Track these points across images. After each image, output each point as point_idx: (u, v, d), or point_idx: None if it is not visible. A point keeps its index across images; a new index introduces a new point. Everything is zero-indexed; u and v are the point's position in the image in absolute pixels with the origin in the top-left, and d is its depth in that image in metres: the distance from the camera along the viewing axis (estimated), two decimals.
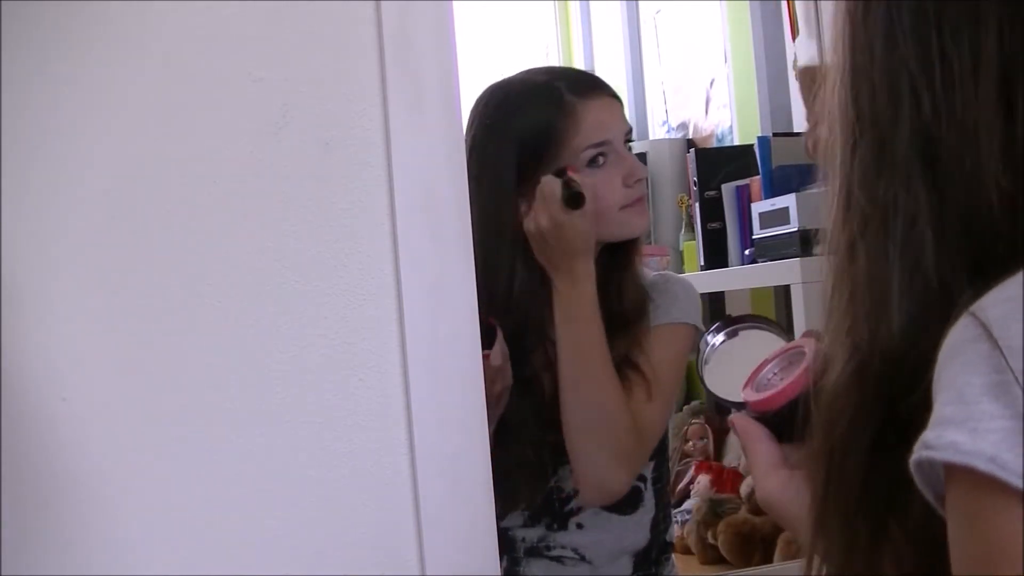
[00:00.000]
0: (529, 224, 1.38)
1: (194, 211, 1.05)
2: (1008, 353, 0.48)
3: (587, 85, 1.45)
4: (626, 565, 1.45)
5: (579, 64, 3.76)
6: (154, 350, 1.04)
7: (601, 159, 1.41)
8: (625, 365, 1.40)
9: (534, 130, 1.41)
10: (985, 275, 0.54)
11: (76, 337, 1.02)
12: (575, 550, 1.43)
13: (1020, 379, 0.47)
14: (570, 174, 1.38)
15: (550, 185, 1.38)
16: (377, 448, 1.09)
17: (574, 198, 1.36)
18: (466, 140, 1.44)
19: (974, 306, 0.51)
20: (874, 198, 0.59)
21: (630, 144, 1.46)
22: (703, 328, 1.47)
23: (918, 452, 0.50)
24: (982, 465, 0.47)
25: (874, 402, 0.58)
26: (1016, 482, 0.46)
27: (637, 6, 3.51)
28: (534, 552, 1.44)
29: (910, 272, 0.57)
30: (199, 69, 1.06)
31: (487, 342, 1.32)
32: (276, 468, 1.06)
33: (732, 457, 2.79)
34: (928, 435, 0.50)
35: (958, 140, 0.57)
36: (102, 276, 1.03)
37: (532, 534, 1.44)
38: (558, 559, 1.44)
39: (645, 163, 2.92)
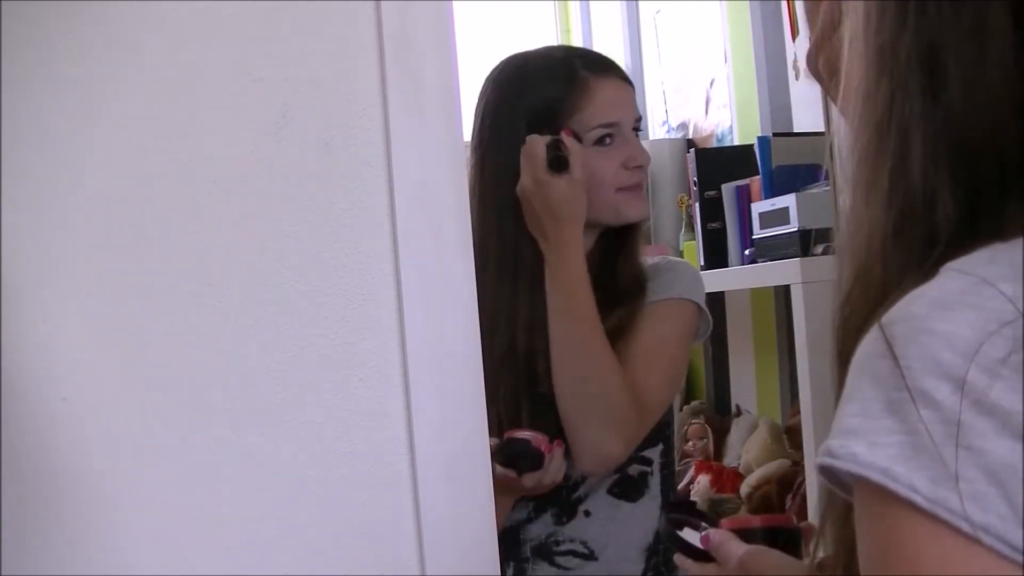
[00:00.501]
0: (517, 188, 1.39)
1: (194, 211, 1.06)
2: (906, 373, 0.51)
3: (603, 65, 1.46)
4: (637, 561, 1.44)
5: None
6: (154, 350, 1.04)
7: (608, 140, 1.41)
8: (622, 336, 1.39)
9: (546, 102, 1.42)
10: (974, 196, 0.56)
11: (76, 337, 1.02)
12: (584, 543, 1.43)
13: (914, 398, 0.51)
14: (563, 136, 1.38)
15: (533, 145, 1.38)
16: (377, 448, 1.09)
17: (557, 161, 1.36)
18: (477, 109, 1.45)
19: (885, 317, 0.54)
20: (872, 102, 0.59)
21: (639, 132, 1.46)
22: (706, 309, 1.47)
23: (822, 458, 0.54)
24: (876, 476, 0.51)
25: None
26: (905, 493, 0.50)
27: (637, 6, 3.51)
28: (541, 551, 1.44)
29: (899, 180, 0.58)
30: (199, 69, 1.06)
31: (535, 464, 1.32)
32: (276, 468, 1.06)
33: (732, 457, 2.79)
34: (832, 444, 0.53)
35: (963, 47, 0.57)
36: (102, 276, 1.03)
37: (539, 531, 1.43)
38: (566, 555, 1.43)
39: None
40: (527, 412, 1.41)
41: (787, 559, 0.88)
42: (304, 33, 1.08)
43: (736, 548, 0.95)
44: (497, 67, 1.47)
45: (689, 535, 1.16)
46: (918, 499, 0.50)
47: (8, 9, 1.00)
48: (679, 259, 1.57)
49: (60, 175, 1.03)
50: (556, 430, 1.38)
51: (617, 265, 1.44)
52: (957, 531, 0.49)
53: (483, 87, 1.47)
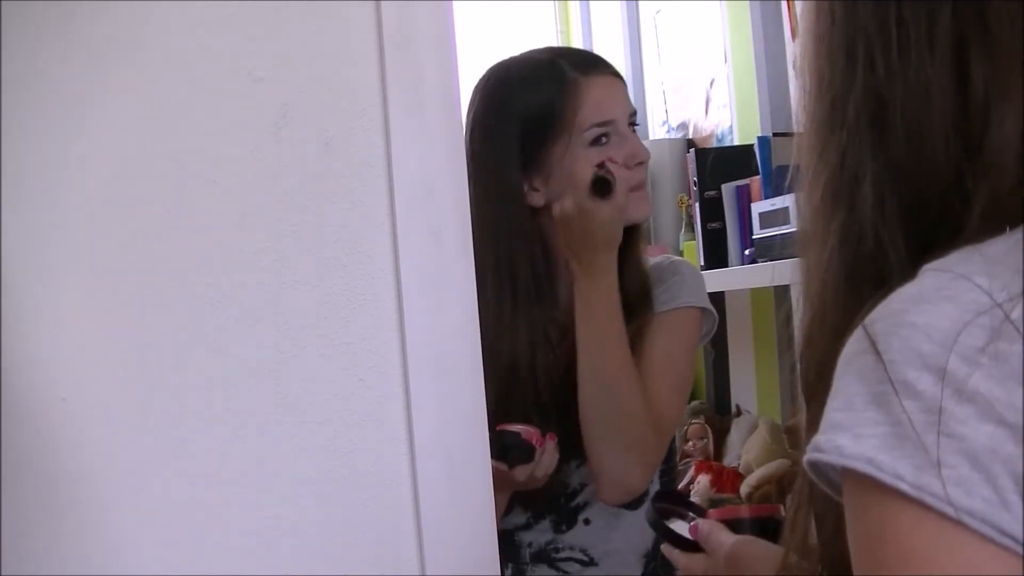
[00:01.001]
0: (556, 209, 1.37)
1: (194, 211, 1.05)
2: (889, 366, 0.53)
3: (590, 63, 1.43)
4: (636, 566, 1.44)
5: None
6: (154, 350, 1.04)
7: (604, 139, 1.39)
8: (633, 351, 1.37)
9: (537, 107, 1.39)
10: (925, 242, 0.58)
11: (76, 337, 1.02)
12: (584, 551, 1.42)
13: (897, 390, 0.52)
14: (607, 163, 1.36)
15: (578, 169, 1.37)
16: (377, 448, 1.09)
17: (601, 184, 1.34)
18: (467, 119, 1.42)
19: (867, 318, 0.56)
20: (825, 157, 0.63)
21: (635, 126, 1.45)
22: (710, 308, 1.46)
23: (810, 454, 0.56)
24: (861, 466, 0.53)
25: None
26: (890, 481, 0.52)
27: (637, 6, 3.51)
28: (540, 556, 1.43)
29: (850, 231, 0.61)
30: (199, 69, 1.06)
31: (526, 457, 1.31)
32: (276, 468, 1.06)
33: (732, 457, 2.79)
34: (819, 438, 0.55)
35: (908, 104, 0.59)
36: (102, 276, 1.03)
37: (538, 537, 1.43)
38: (566, 560, 1.43)
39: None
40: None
41: (775, 549, 0.89)
42: (304, 33, 1.08)
43: (725, 538, 0.95)
44: (483, 78, 1.44)
45: (678, 526, 1.15)
46: (903, 486, 0.51)
47: (8, 9, 1.00)
48: (680, 259, 1.56)
49: (60, 175, 1.02)
50: (566, 444, 1.37)
51: (624, 271, 1.42)
52: (943, 516, 0.51)
53: (471, 99, 1.44)
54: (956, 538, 0.51)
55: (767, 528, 0.98)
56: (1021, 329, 0.51)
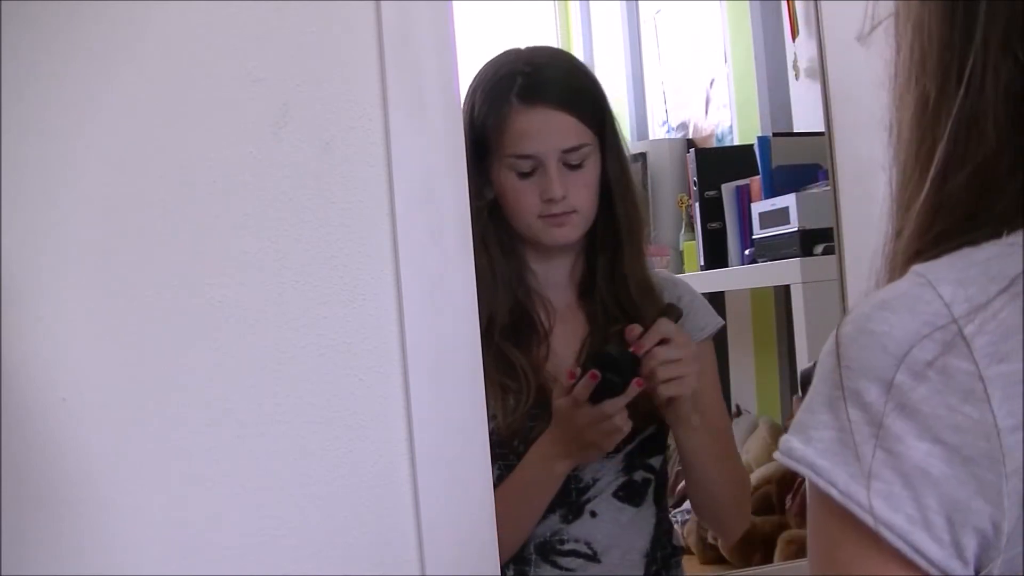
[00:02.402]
0: (682, 389, 1.36)
1: (194, 211, 1.05)
2: (844, 373, 0.54)
3: (537, 89, 1.40)
4: (638, 566, 1.44)
5: None
6: (154, 350, 1.04)
7: (527, 168, 1.40)
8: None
9: (480, 126, 1.41)
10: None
11: (76, 337, 1.02)
12: (588, 544, 1.43)
13: (847, 397, 0.54)
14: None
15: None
16: (377, 448, 1.09)
17: (677, 315, 1.37)
18: None
19: (844, 318, 0.57)
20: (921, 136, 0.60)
21: (571, 166, 1.41)
22: (714, 314, 1.49)
23: (777, 451, 0.58)
24: (803, 469, 0.55)
25: None
26: (823, 486, 0.53)
27: (637, 6, 3.51)
28: (544, 550, 1.43)
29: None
30: (199, 69, 1.06)
31: (628, 374, 1.30)
32: (276, 468, 1.06)
33: None
34: (783, 437, 0.57)
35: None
36: (102, 276, 1.03)
37: (544, 528, 1.43)
38: (569, 555, 1.43)
39: (645, 164, 2.92)
40: None
41: None
42: (304, 33, 1.08)
43: None
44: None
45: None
46: (834, 493, 0.53)
47: (8, 9, 1.00)
48: (676, 279, 1.57)
49: (60, 175, 1.02)
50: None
51: (618, 272, 1.44)
52: (864, 527, 0.52)
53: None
54: (873, 550, 0.52)
55: None
56: (971, 345, 0.51)
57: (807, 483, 0.56)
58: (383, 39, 1.09)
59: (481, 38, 3.58)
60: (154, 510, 1.03)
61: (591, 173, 1.42)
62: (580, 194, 1.41)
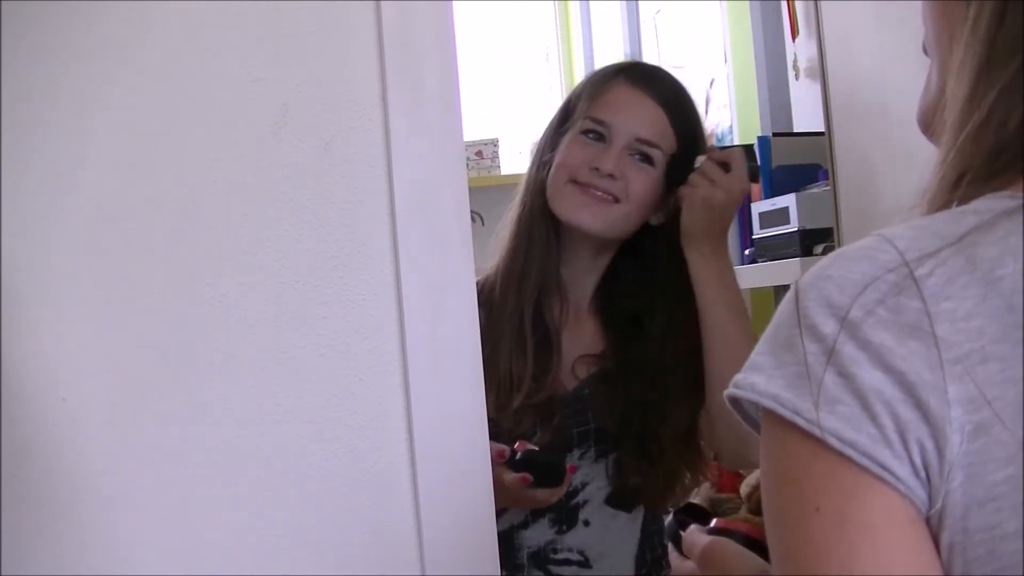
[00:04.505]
0: (696, 196, 1.38)
1: (194, 211, 1.06)
2: (802, 312, 0.58)
3: (645, 78, 1.45)
4: (629, 569, 1.45)
5: (579, 64, 3.76)
6: (153, 350, 1.04)
7: (591, 135, 1.40)
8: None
9: (575, 93, 1.48)
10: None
11: (76, 337, 1.02)
12: (581, 552, 1.43)
13: (803, 333, 0.58)
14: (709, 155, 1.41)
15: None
16: (377, 448, 1.09)
17: (753, 170, 1.41)
18: None
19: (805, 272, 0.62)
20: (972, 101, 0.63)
21: (641, 156, 1.40)
22: None
23: (729, 389, 0.61)
24: (767, 402, 0.58)
25: None
26: (789, 416, 0.57)
27: (637, 6, 3.51)
28: (537, 558, 1.43)
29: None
30: (199, 69, 1.06)
31: (557, 481, 1.33)
32: (276, 468, 1.06)
33: None
34: (738, 376, 0.61)
35: None
36: (102, 276, 1.03)
37: (537, 537, 1.43)
38: (562, 563, 1.43)
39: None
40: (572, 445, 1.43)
41: (745, 552, 0.95)
42: (304, 33, 1.08)
43: (700, 539, 0.99)
44: None
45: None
46: (800, 421, 0.57)
47: (8, 9, 1.00)
48: None
49: (60, 176, 1.03)
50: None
51: (671, 252, 1.44)
52: (831, 449, 0.56)
53: None
54: (841, 469, 0.56)
55: (755, 545, 1.01)
56: (920, 285, 0.56)
57: (764, 423, 0.59)
58: (383, 39, 1.09)
59: (481, 38, 3.59)
60: (154, 510, 1.03)
61: (651, 177, 1.41)
62: (630, 186, 1.39)
